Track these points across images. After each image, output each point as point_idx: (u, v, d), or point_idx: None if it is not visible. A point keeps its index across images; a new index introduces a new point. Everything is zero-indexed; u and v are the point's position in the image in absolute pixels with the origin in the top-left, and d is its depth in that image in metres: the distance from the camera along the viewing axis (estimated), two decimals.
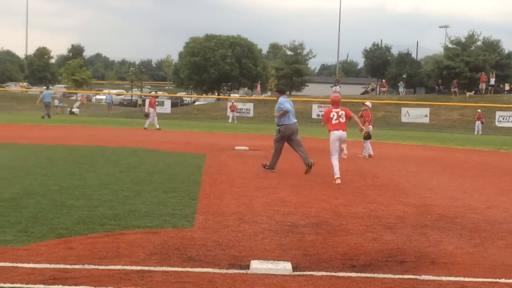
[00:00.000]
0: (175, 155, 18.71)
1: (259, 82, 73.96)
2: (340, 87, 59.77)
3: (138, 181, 12.27)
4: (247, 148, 21.67)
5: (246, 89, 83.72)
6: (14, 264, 6.06)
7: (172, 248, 7.01)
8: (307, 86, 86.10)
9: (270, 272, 6.14)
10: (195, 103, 72.24)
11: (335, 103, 14.11)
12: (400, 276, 6.27)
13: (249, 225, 8.52)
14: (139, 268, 6.14)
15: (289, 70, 78.87)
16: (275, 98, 16.36)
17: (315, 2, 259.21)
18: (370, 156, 20.49)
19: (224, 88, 76.55)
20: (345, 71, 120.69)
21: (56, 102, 55.99)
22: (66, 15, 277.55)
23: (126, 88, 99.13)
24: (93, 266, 6.12)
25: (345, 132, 13.79)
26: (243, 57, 71.77)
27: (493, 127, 47.70)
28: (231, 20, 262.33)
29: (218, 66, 69.33)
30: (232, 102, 53.45)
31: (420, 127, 48.75)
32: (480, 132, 44.51)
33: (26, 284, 5.44)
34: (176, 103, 61.57)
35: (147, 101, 43.76)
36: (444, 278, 6.28)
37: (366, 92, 73.19)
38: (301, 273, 6.24)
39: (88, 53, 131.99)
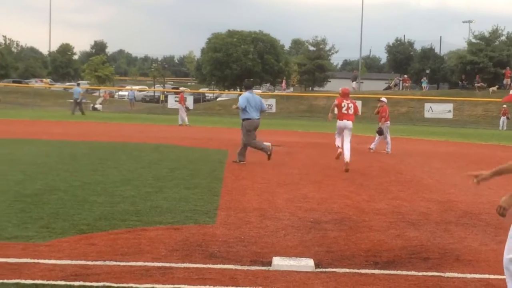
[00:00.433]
0: (197, 151, 18.73)
1: (284, 78, 73.74)
2: (357, 83, 58.97)
3: (160, 177, 12.28)
4: (269, 144, 21.57)
5: (268, 85, 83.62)
6: (36, 260, 6.05)
7: (194, 244, 6.98)
8: (330, 81, 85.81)
9: (292, 269, 6.08)
10: (217, 99, 72.33)
11: (345, 95, 15.63)
12: (424, 273, 6.19)
13: (271, 221, 8.47)
14: (160, 264, 6.11)
15: (312, 65, 78.38)
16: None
17: None
18: (370, 149, 20.79)
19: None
20: (368, 67, 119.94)
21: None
22: (88, 11, 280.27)
23: (148, 84, 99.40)
24: (114, 263, 6.10)
25: (351, 122, 15.24)
26: (265, 52, 71.51)
27: None
28: (253, 16, 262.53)
29: (240, 62, 69.18)
30: None
31: (444, 122, 48.39)
32: (505, 128, 44.05)
33: (47, 281, 5.41)
34: (198, 99, 61.71)
35: (186, 97, 43.96)
36: (468, 275, 6.20)
37: (389, 87, 72.70)
38: (324, 270, 6.18)
39: (110, 49, 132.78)
